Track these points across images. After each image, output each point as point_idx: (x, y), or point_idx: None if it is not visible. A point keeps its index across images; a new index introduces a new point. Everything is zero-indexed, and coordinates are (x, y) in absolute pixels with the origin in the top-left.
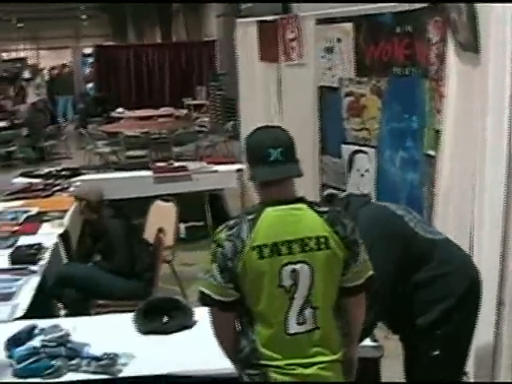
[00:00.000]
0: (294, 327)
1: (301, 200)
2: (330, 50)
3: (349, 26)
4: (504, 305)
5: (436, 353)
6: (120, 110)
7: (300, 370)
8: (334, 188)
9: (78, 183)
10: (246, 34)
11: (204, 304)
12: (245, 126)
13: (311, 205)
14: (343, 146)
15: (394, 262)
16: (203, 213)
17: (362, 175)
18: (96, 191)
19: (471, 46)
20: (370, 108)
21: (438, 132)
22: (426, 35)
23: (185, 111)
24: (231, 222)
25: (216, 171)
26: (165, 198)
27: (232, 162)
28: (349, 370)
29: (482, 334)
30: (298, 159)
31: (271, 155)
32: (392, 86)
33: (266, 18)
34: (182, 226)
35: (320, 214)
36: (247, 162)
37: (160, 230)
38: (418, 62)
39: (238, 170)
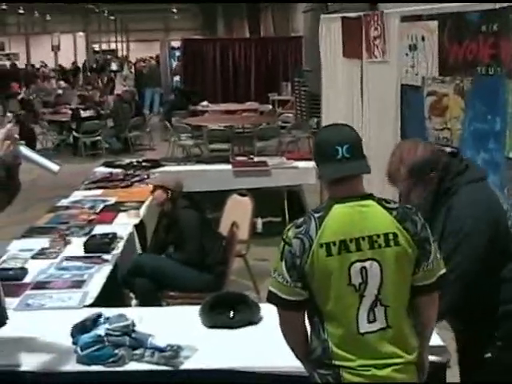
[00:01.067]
0: (364, 326)
1: (369, 196)
2: (413, 48)
3: (433, 23)
4: None
5: (488, 355)
6: (204, 103)
7: (373, 372)
8: None
9: (156, 175)
10: (330, 29)
11: (271, 303)
12: (326, 123)
13: (380, 201)
14: None
15: (486, 252)
16: (281, 208)
17: None
18: (179, 182)
19: None
20: (452, 108)
21: None
22: None
23: (269, 106)
24: (299, 220)
25: (295, 167)
26: (241, 192)
27: (311, 159)
28: (421, 373)
29: None
30: (365, 155)
31: (338, 153)
32: (476, 86)
33: (349, 15)
34: (260, 220)
35: (389, 210)
36: (315, 161)
37: (234, 224)
38: (503, 61)
39: None
